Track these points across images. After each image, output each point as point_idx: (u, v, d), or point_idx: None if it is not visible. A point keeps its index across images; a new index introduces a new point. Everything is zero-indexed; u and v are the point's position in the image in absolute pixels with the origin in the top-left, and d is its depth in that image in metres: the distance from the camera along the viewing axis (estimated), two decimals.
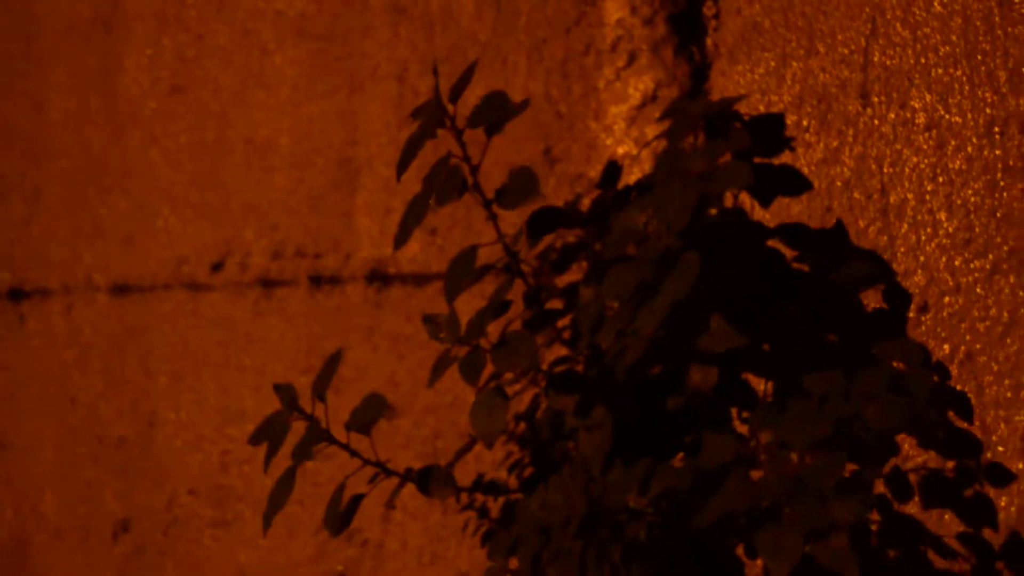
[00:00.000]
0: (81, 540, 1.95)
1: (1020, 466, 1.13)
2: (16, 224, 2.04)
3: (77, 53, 1.97)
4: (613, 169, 1.13)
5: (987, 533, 1.11)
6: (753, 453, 0.99)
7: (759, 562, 1.19)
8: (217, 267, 1.79)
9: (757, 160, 1.13)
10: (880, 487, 1.13)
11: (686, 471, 0.99)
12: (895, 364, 1.08)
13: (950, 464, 1.12)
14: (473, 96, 1.13)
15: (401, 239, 1.05)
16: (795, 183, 1.16)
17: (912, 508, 1.16)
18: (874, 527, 1.11)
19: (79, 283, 1.97)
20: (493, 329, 1.08)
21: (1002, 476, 1.11)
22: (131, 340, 1.89)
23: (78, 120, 1.98)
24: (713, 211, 1.15)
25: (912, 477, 1.12)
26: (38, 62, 2.02)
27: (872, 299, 1.18)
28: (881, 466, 0.99)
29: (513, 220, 1.18)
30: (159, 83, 1.86)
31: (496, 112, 1.06)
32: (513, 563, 1.08)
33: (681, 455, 1.05)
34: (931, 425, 1.05)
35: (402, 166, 1.06)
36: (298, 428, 1.08)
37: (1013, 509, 1.20)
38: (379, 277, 1.60)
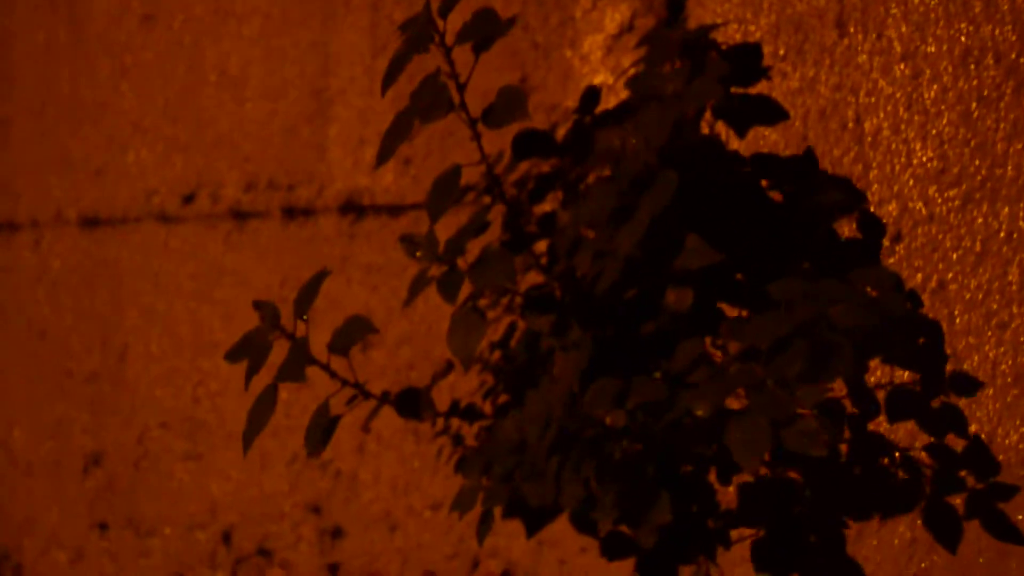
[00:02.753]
0: (52, 475, 1.95)
1: (990, 392, 1.14)
2: None
3: None
4: (592, 94, 1.13)
5: (957, 443, 1.13)
6: (723, 364, 1.01)
7: (731, 488, 1.21)
8: (188, 199, 1.79)
9: (734, 89, 1.13)
10: (849, 407, 1.15)
11: (660, 383, 1.00)
12: (869, 290, 1.09)
13: (916, 377, 1.14)
14: (449, 24, 1.13)
15: (383, 156, 1.04)
16: (771, 112, 1.17)
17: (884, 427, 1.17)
18: (844, 447, 1.12)
19: (49, 217, 1.96)
20: (471, 252, 1.08)
21: (968, 385, 1.13)
22: (102, 273, 1.89)
23: (46, 53, 1.96)
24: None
25: (880, 394, 1.14)
26: None
27: (847, 229, 1.19)
28: (850, 364, 1.00)
29: (488, 149, 1.18)
30: (129, 13, 1.84)
31: (486, 28, 1.05)
32: (486, 481, 1.08)
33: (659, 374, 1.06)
34: (898, 327, 1.06)
35: (388, 80, 1.04)
36: (275, 349, 1.07)
37: (983, 436, 1.22)
38: (353, 208, 1.60)
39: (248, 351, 1.05)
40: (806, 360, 0.99)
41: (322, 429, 1.06)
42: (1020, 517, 1.13)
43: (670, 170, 1.03)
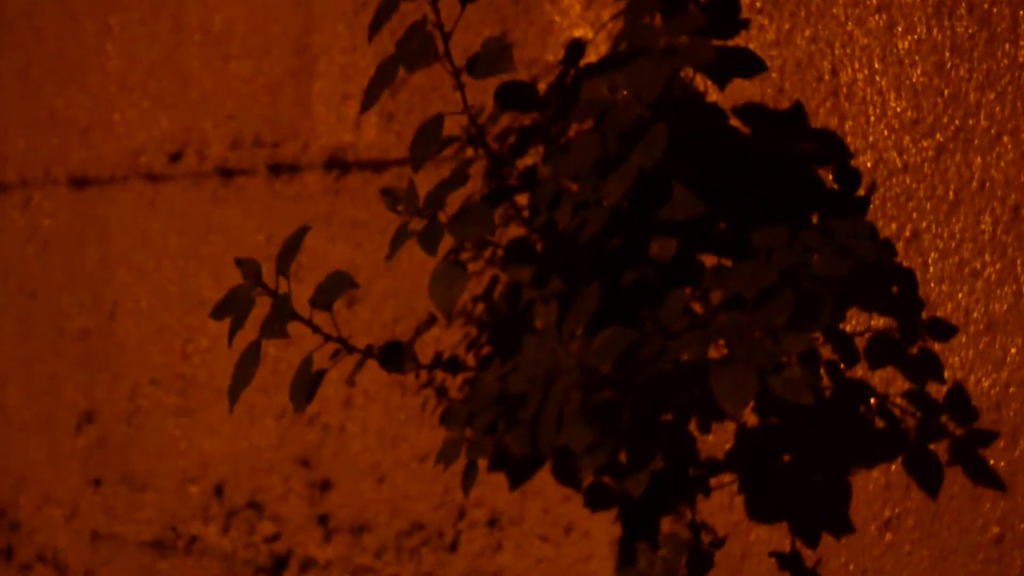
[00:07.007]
0: (45, 432, 1.97)
1: (963, 339, 1.16)
2: None
3: None
4: (577, 46, 1.14)
5: (934, 389, 1.15)
6: (707, 315, 1.02)
7: (710, 437, 1.22)
8: (175, 157, 1.79)
9: (713, 42, 1.14)
10: (828, 353, 1.16)
11: (661, 335, 1.01)
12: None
13: (893, 325, 1.15)
14: None
15: (368, 102, 1.04)
16: (750, 64, 1.18)
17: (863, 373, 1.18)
18: (827, 393, 1.14)
19: (37, 177, 1.97)
20: (452, 206, 1.09)
21: (943, 330, 1.14)
22: (91, 232, 1.90)
23: (31, 13, 1.96)
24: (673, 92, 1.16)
25: (859, 342, 1.15)
26: None
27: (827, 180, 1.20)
28: (831, 313, 1.02)
29: (470, 103, 1.18)
30: None
31: None
32: (468, 432, 1.10)
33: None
34: (875, 276, 1.07)
35: (375, 27, 1.05)
36: (261, 305, 1.09)
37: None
38: (337, 164, 1.61)
39: (232, 308, 1.06)
40: (792, 309, 1.01)
41: (307, 383, 1.08)
42: (992, 462, 1.14)
43: (661, 124, 1.04)
